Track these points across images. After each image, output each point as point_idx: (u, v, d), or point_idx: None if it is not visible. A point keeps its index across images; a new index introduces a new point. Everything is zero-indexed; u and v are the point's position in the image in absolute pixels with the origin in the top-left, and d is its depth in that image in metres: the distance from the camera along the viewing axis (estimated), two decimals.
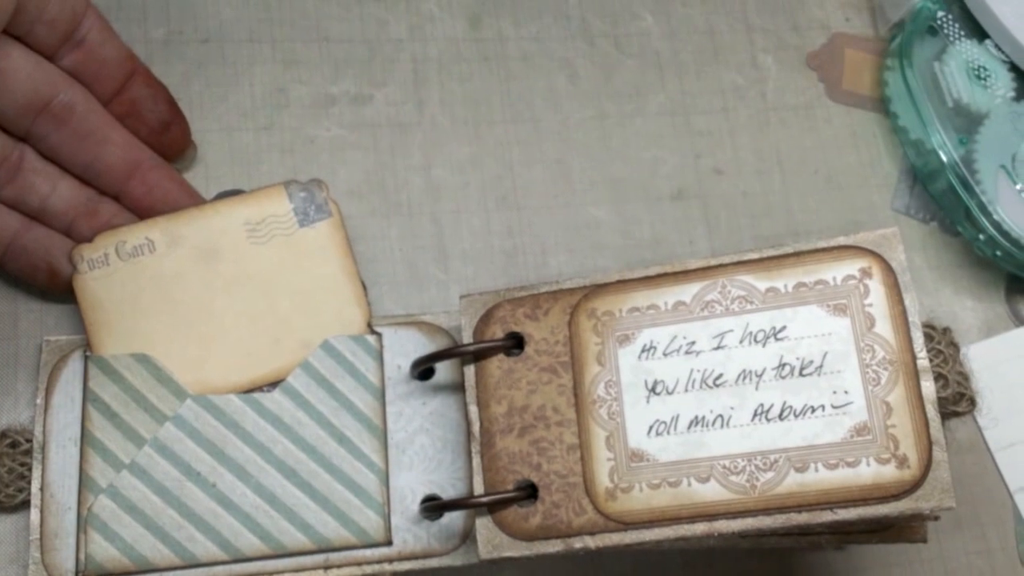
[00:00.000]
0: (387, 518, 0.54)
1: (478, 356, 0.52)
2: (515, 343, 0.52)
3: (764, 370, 0.48)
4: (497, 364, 0.52)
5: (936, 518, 0.49)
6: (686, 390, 0.49)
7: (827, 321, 0.48)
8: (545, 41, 0.68)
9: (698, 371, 0.49)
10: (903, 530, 0.53)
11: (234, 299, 0.55)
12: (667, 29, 0.69)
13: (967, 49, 0.69)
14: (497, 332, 0.52)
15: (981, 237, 0.65)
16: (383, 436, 0.55)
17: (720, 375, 0.49)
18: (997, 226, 0.64)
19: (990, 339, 0.66)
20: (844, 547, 0.60)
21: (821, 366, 0.48)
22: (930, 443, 0.46)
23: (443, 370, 0.56)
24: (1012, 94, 0.68)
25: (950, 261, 0.67)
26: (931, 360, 0.49)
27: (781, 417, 0.47)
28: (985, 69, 0.68)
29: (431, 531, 0.54)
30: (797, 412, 0.47)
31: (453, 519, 0.54)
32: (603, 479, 0.48)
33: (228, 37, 0.64)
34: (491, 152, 0.65)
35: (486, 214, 0.63)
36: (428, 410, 0.56)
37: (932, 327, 0.51)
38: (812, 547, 0.59)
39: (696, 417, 0.48)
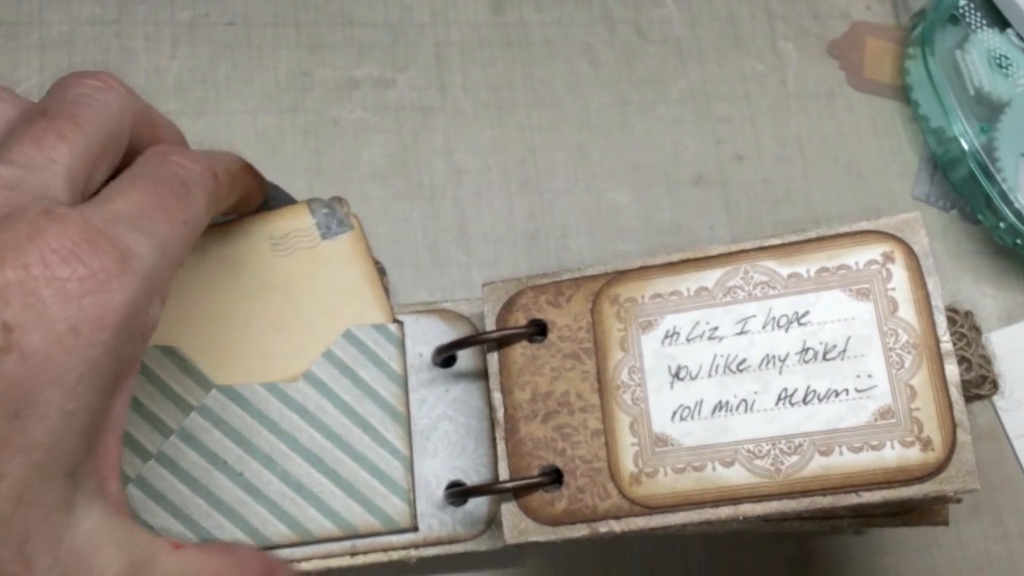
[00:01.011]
0: (412, 504, 0.54)
1: (501, 343, 0.53)
2: (538, 330, 0.52)
3: (787, 355, 0.49)
4: (520, 351, 0.52)
5: (959, 500, 0.50)
6: (709, 375, 0.49)
7: (850, 305, 0.49)
8: (567, 27, 0.68)
9: (721, 356, 0.49)
10: (925, 513, 0.54)
11: (258, 306, 0.55)
12: (688, 16, 0.69)
13: (989, 38, 0.69)
14: (520, 319, 0.52)
15: (1002, 225, 0.65)
16: (407, 423, 0.55)
17: (743, 360, 0.49)
18: (1018, 214, 0.64)
19: (1011, 326, 0.66)
20: (863, 531, 0.61)
21: (844, 350, 0.48)
22: (954, 426, 0.46)
23: (464, 357, 0.56)
24: None
25: (970, 249, 0.68)
26: (954, 343, 0.49)
27: (805, 401, 0.48)
28: (1007, 58, 0.68)
29: (456, 517, 0.54)
30: (821, 396, 0.47)
31: (478, 505, 0.54)
32: (628, 464, 0.49)
33: (253, 20, 0.64)
34: (513, 136, 0.65)
35: (508, 198, 0.64)
36: (451, 397, 0.56)
37: (955, 311, 0.51)
38: (834, 530, 0.60)
39: (720, 402, 0.49)
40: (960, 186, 0.67)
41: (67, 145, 0.41)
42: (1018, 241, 0.65)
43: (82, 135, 0.42)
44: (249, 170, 0.53)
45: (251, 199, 0.55)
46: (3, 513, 0.35)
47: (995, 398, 0.58)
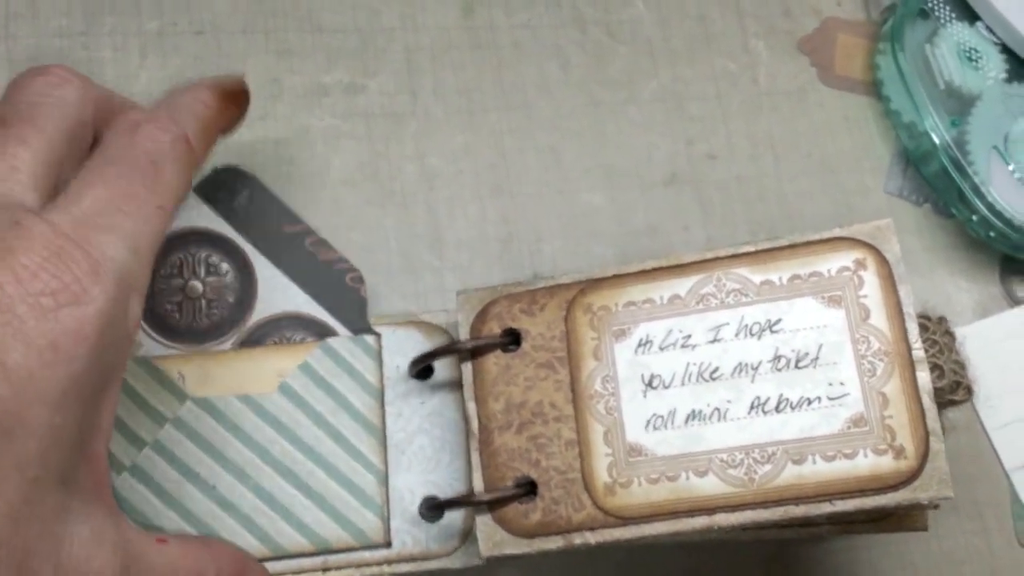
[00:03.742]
0: (386, 519, 0.54)
1: (475, 353, 0.53)
2: (512, 339, 0.52)
3: (760, 363, 0.49)
4: (494, 361, 0.52)
5: (936, 507, 0.50)
6: (683, 384, 0.49)
7: (822, 313, 0.49)
8: (537, 29, 0.68)
9: (694, 365, 0.49)
10: (904, 519, 0.54)
11: None
12: (659, 16, 0.69)
13: (958, 31, 0.69)
14: (494, 328, 0.52)
15: (974, 218, 0.65)
16: (382, 436, 0.55)
17: (716, 368, 0.49)
18: (990, 207, 0.64)
19: (985, 320, 0.66)
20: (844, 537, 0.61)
21: (817, 358, 0.48)
22: (927, 433, 0.46)
23: (441, 369, 0.56)
24: (1004, 75, 0.68)
25: (944, 243, 0.68)
26: (926, 350, 0.49)
27: (778, 409, 0.48)
28: (976, 51, 0.68)
29: (430, 532, 0.54)
30: (793, 404, 0.48)
31: (452, 520, 0.54)
32: (602, 474, 0.49)
33: (222, 28, 0.64)
34: (484, 140, 0.65)
35: (480, 202, 0.64)
36: (427, 410, 0.56)
37: (927, 317, 0.51)
38: (813, 538, 0.60)
39: (693, 411, 0.49)
40: (932, 180, 0.67)
41: (29, 150, 0.41)
42: (991, 234, 0.65)
43: (43, 136, 0.42)
44: (226, 103, 0.52)
45: (232, 127, 0.54)
46: (2, 533, 0.35)
47: (973, 400, 0.58)
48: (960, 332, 0.53)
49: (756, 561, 0.60)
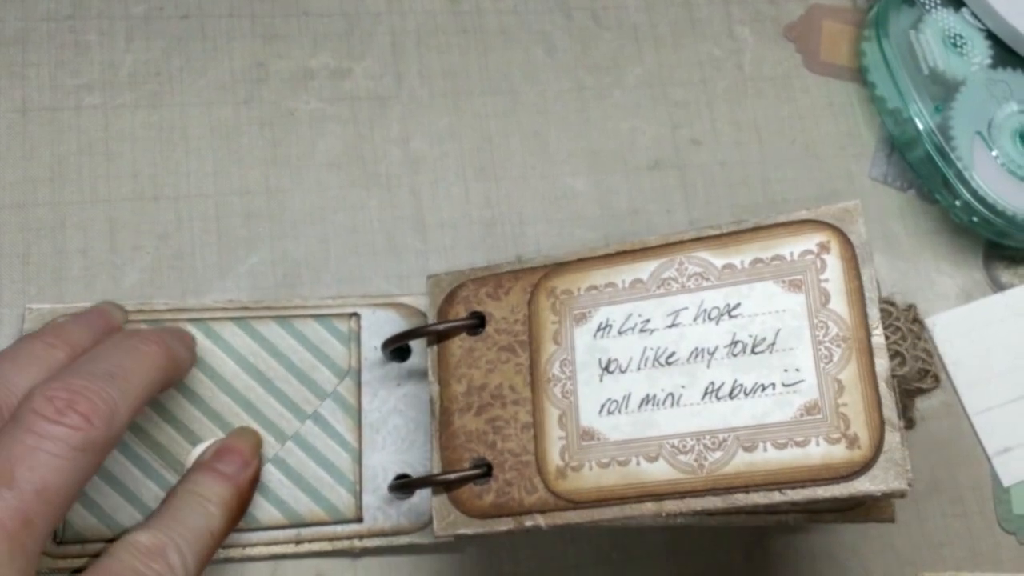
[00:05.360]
0: (358, 496, 0.55)
1: (442, 336, 0.53)
2: (479, 322, 0.53)
3: (716, 348, 0.48)
4: (459, 343, 0.52)
5: (902, 496, 0.49)
6: (638, 368, 0.49)
7: (781, 297, 0.48)
8: (523, 14, 0.68)
9: (651, 349, 0.49)
10: (871, 510, 0.53)
11: None
12: (644, 2, 0.70)
13: (943, 17, 0.69)
14: (460, 311, 0.53)
15: (958, 204, 0.65)
16: (358, 416, 0.56)
17: (672, 353, 0.49)
18: (974, 192, 0.64)
19: (968, 304, 0.66)
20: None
21: (773, 343, 0.48)
22: (882, 422, 0.45)
23: (419, 353, 0.57)
24: (988, 61, 0.68)
25: (928, 228, 0.68)
26: (888, 337, 0.48)
27: (731, 395, 0.47)
28: (961, 37, 0.68)
29: (401, 509, 0.55)
30: (747, 390, 0.47)
31: (423, 498, 0.55)
32: (554, 457, 0.49)
33: (208, 12, 0.64)
34: (469, 124, 0.65)
35: (464, 185, 0.64)
36: (402, 392, 0.57)
37: (892, 303, 0.51)
38: (780, 526, 0.60)
39: (647, 396, 0.49)
40: (917, 166, 0.67)
41: (32, 535, 0.38)
42: (974, 219, 0.65)
43: (49, 517, 0.39)
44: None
45: None
46: None
47: (954, 375, 0.58)
48: (943, 317, 0.53)
49: (735, 537, 0.60)
